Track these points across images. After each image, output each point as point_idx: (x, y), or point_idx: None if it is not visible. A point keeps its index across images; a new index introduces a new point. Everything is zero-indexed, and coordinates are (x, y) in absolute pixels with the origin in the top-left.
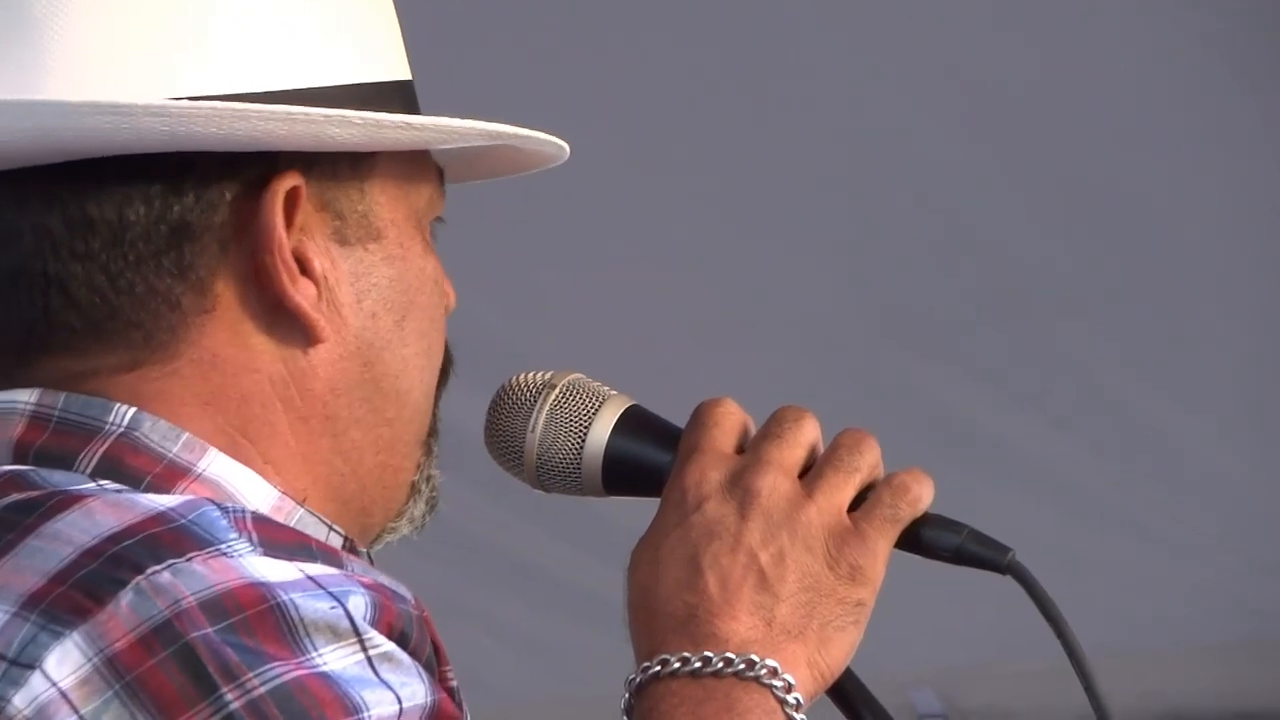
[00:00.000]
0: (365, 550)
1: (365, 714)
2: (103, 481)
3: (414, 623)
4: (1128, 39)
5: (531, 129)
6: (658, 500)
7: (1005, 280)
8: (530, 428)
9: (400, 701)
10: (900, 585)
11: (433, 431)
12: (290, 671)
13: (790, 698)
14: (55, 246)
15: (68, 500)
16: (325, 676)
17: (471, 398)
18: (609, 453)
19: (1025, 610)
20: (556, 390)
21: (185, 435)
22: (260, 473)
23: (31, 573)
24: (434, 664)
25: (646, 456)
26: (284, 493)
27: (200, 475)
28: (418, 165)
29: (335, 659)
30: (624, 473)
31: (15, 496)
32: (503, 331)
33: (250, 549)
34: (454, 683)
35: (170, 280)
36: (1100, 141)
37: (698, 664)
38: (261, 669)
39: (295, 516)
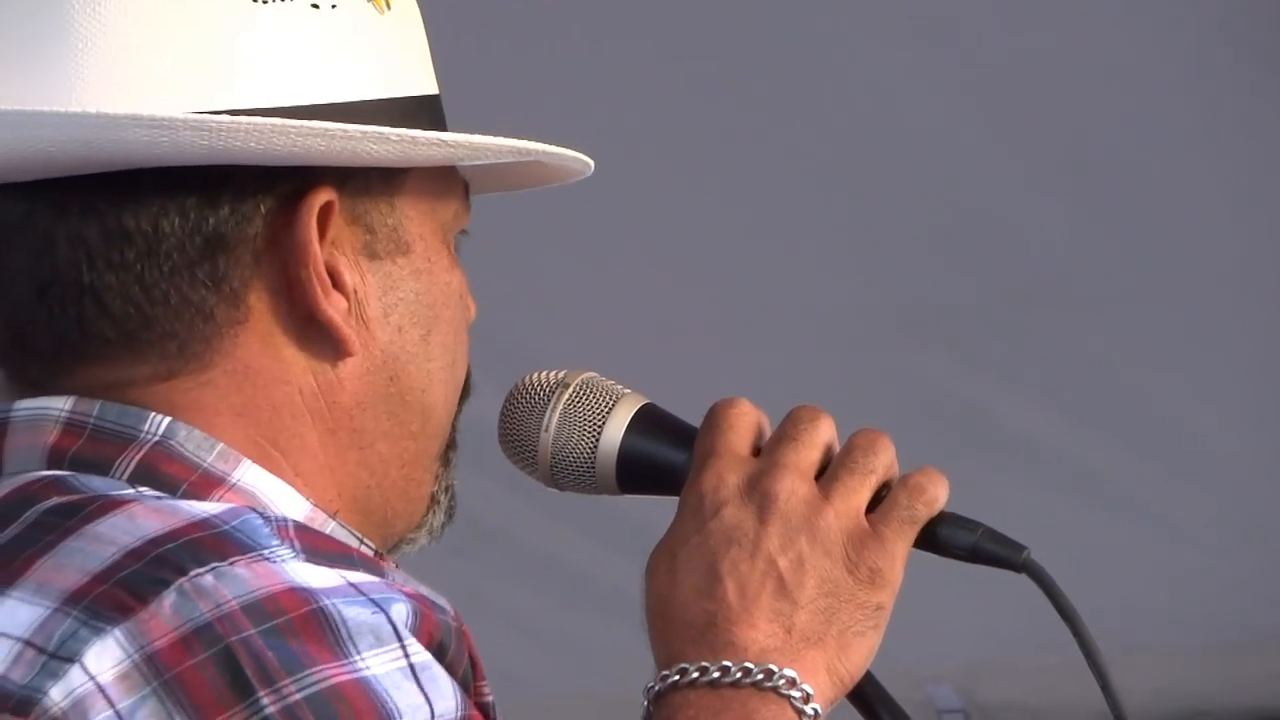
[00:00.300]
0: (393, 563)
1: None
2: (141, 488)
3: (453, 634)
4: (1145, 30)
5: (558, 144)
6: (674, 498)
7: (1023, 275)
8: (544, 427)
9: (434, 715)
10: (920, 581)
11: (451, 444)
12: (330, 677)
13: (808, 708)
14: (91, 256)
15: (110, 504)
16: (365, 682)
17: (493, 392)
18: (623, 451)
19: (1044, 605)
20: (570, 389)
21: (220, 445)
22: (290, 484)
23: (73, 570)
24: (470, 678)
25: (661, 455)
26: (315, 504)
27: (235, 485)
28: (445, 180)
29: (378, 663)
30: (638, 471)
31: (55, 500)
32: (518, 328)
33: (293, 555)
34: (489, 697)
35: (204, 291)
36: (1118, 134)
37: (716, 674)
38: (302, 674)
39: (329, 528)
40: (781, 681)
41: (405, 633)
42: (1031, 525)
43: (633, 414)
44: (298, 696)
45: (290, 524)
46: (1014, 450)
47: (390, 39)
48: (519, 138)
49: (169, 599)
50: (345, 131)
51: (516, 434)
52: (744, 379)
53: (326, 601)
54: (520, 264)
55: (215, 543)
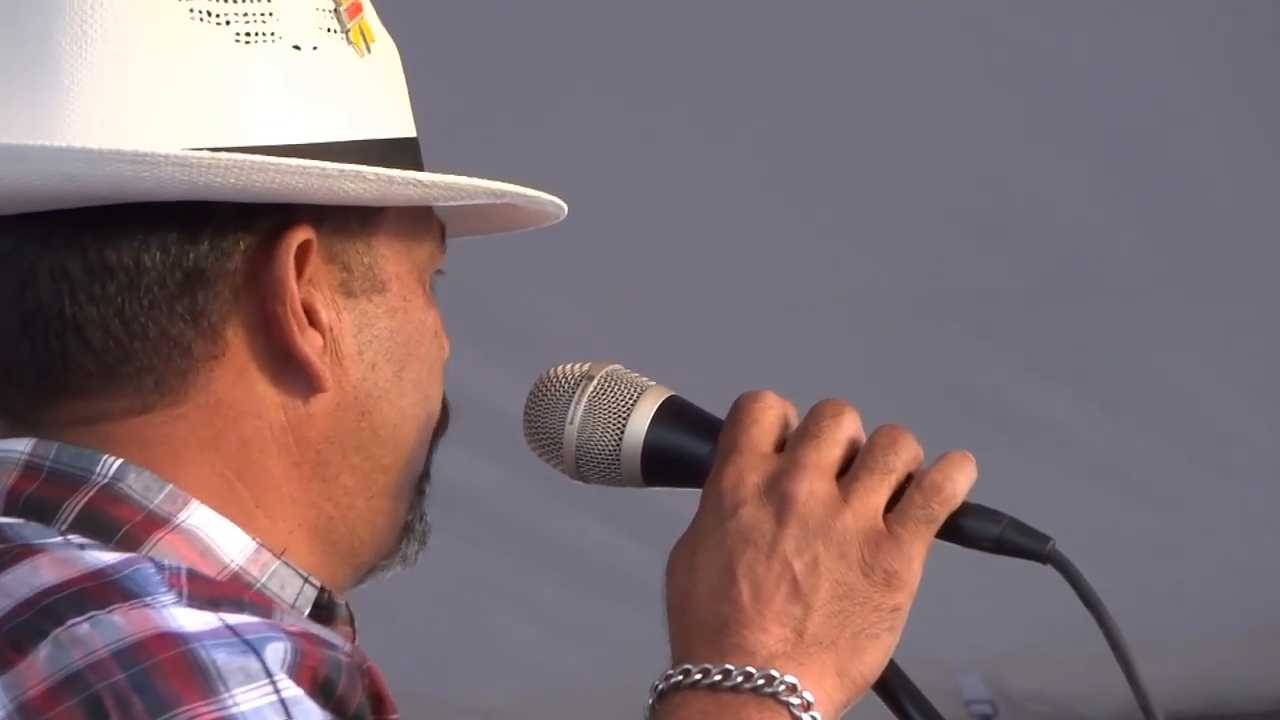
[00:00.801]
0: (342, 602)
1: None
2: (71, 536)
3: (343, 669)
4: (1179, 15)
5: (535, 188)
6: (700, 490)
7: (1051, 261)
8: (569, 419)
9: None
10: (947, 572)
11: (425, 475)
12: (199, 716)
13: (806, 716)
14: (74, 289)
15: (21, 554)
16: (234, 719)
17: (513, 382)
18: (648, 444)
19: (1071, 595)
20: (595, 381)
21: (169, 487)
22: (247, 519)
23: None
24: (365, 713)
25: (686, 447)
26: (262, 545)
27: (178, 526)
28: (421, 221)
29: (247, 699)
30: (663, 464)
31: None
32: (540, 319)
33: (175, 600)
34: None
35: (182, 325)
36: (1148, 118)
37: (717, 677)
38: (168, 714)
39: (270, 569)
40: (781, 688)
41: (276, 669)
42: (1057, 515)
43: (657, 406)
44: None
45: (184, 572)
46: (1040, 438)
47: (370, 82)
48: (495, 178)
49: (45, 649)
50: (322, 169)
51: (541, 427)
52: (770, 367)
53: (196, 644)
54: (542, 254)
55: (100, 591)
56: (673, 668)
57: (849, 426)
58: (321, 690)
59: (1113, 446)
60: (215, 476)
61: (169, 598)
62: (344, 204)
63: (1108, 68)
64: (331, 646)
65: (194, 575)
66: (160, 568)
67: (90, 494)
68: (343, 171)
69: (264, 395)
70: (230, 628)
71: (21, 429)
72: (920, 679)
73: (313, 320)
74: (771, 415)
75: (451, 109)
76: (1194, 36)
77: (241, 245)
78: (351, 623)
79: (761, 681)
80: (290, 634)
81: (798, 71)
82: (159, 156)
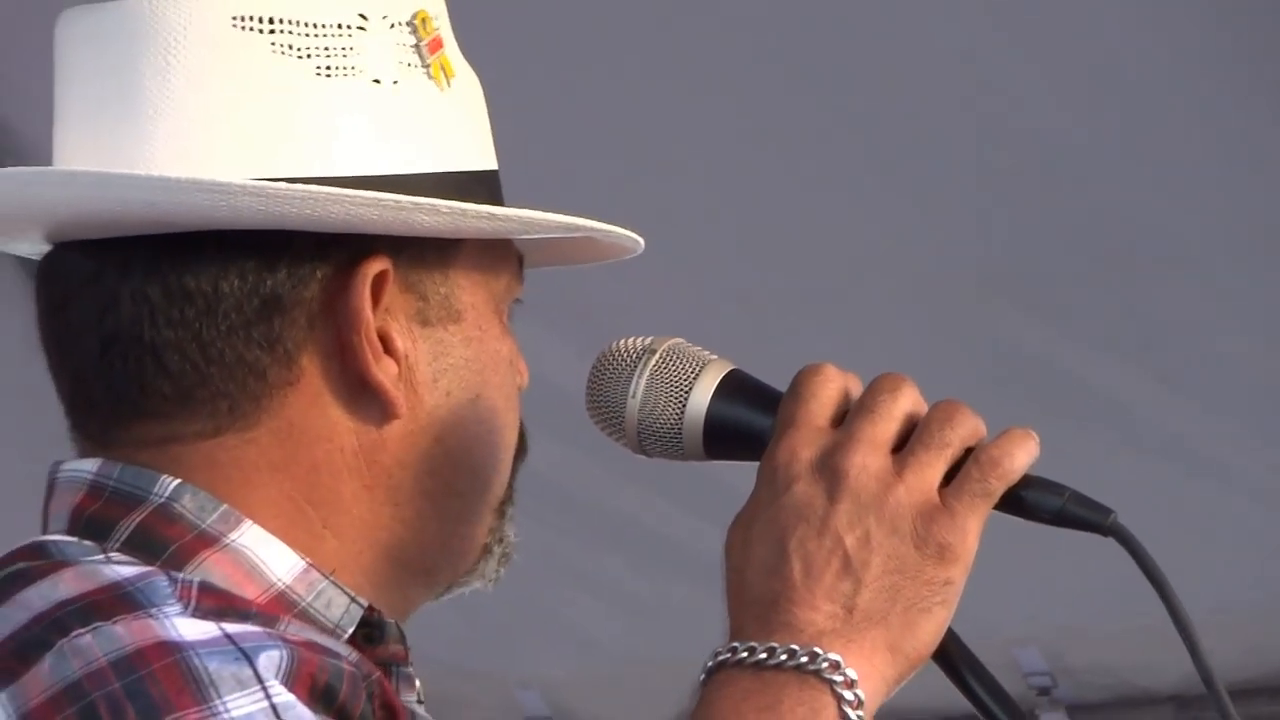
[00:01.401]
0: (392, 621)
1: None
2: (114, 554)
3: (344, 677)
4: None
5: (611, 224)
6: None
7: (1112, 236)
8: (631, 393)
9: None
10: (1005, 544)
11: (508, 499)
12: None
13: (850, 694)
14: (153, 314)
15: (49, 569)
16: None
17: (575, 356)
18: (710, 417)
19: (1130, 567)
20: (657, 355)
21: (223, 507)
22: (314, 540)
23: None
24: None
25: (747, 421)
26: (311, 565)
27: (227, 545)
28: (499, 253)
29: (238, 705)
30: (725, 437)
31: (20, 565)
32: (602, 295)
33: (179, 611)
34: None
35: (259, 351)
36: (1209, 94)
37: (762, 655)
38: None
39: (318, 588)
40: (824, 665)
41: (268, 676)
42: (1119, 488)
43: (719, 380)
44: None
45: (195, 584)
46: (1101, 412)
47: (449, 116)
48: (572, 213)
49: (48, 660)
50: (397, 202)
51: (603, 400)
52: (833, 342)
53: (190, 652)
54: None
55: (110, 603)
56: (724, 645)
57: (906, 401)
58: (321, 697)
59: (1173, 421)
60: (283, 499)
61: (174, 608)
62: (419, 235)
63: (1157, 41)
64: (334, 655)
65: (207, 588)
66: (173, 580)
67: (145, 513)
68: (417, 204)
69: (337, 421)
70: (228, 636)
71: (96, 450)
72: (978, 652)
73: (388, 348)
74: (831, 389)
75: (527, 136)
76: (1246, 9)
77: (319, 274)
78: (403, 641)
79: (805, 659)
80: (289, 642)
81: (861, 55)
82: (235, 186)
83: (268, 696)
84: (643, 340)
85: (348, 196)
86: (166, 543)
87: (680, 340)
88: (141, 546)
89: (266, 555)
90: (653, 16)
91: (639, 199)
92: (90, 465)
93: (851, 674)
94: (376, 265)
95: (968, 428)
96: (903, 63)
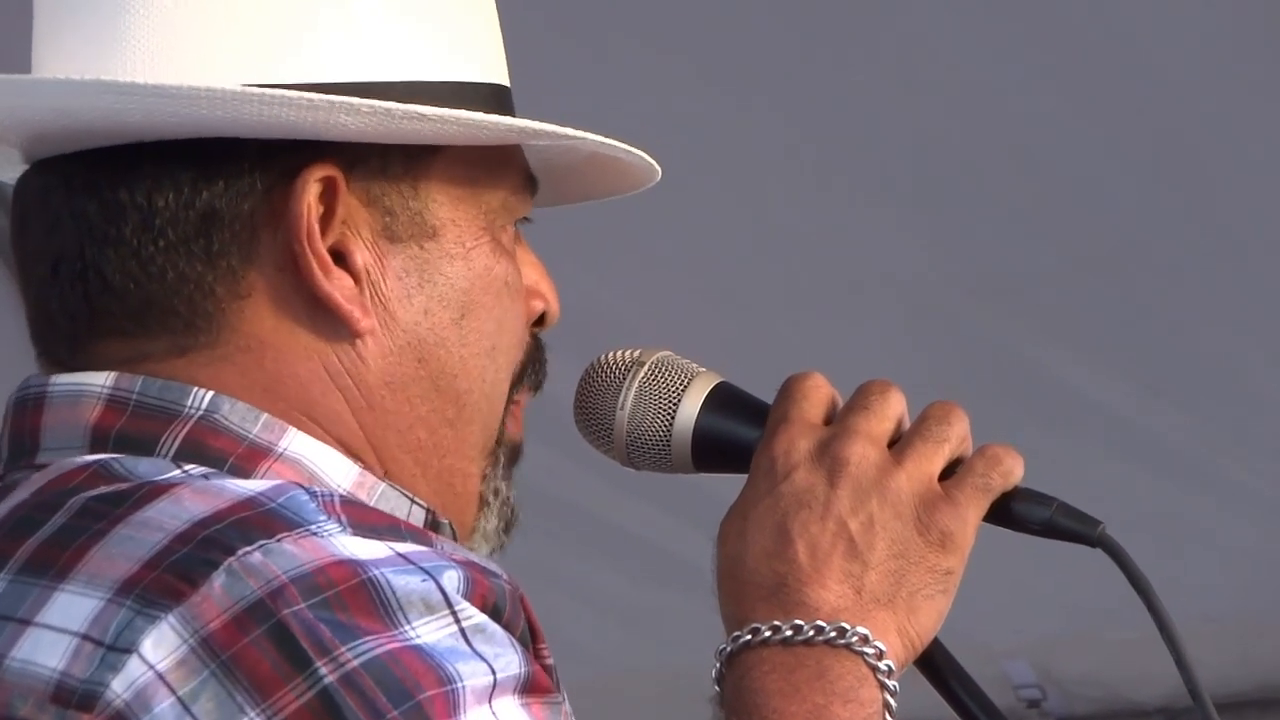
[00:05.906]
0: (448, 522)
1: (459, 685)
2: (188, 468)
3: (507, 597)
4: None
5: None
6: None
7: (1102, 243)
8: (619, 406)
9: (494, 672)
10: (994, 556)
11: (500, 441)
12: (383, 645)
13: (882, 664)
14: (91, 232)
15: (157, 490)
16: (419, 649)
17: (564, 368)
18: (698, 430)
19: (1119, 579)
20: (645, 368)
21: (264, 416)
22: (337, 449)
23: (124, 559)
24: (528, 640)
25: (736, 433)
26: (365, 468)
27: (282, 454)
28: (491, 167)
29: (428, 631)
30: (714, 449)
31: (103, 489)
32: (593, 303)
33: (340, 529)
34: (550, 660)
35: (201, 267)
36: (1197, 99)
37: (789, 632)
38: (354, 643)
39: (378, 491)
40: (855, 639)
41: (456, 598)
42: (1108, 498)
43: (707, 392)
44: (355, 663)
45: (336, 498)
46: (1090, 421)
47: (420, 25)
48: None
49: (219, 580)
50: (311, 102)
51: (592, 413)
52: (824, 349)
53: (375, 572)
54: (593, 239)
55: (262, 521)
56: (738, 629)
57: (896, 404)
58: (491, 617)
59: (1162, 430)
60: (285, 416)
61: (332, 526)
62: (343, 139)
63: (1160, 52)
64: (495, 575)
65: (347, 501)
66: (312, 494)
67: (188, 427)
68: (332, 104)
69: (306, 338)
70: (403, 555)
71: (64, 372)
72: (967, 664)
73: (347, 263)
74: (820, 393)
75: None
76: (1240, 15)
77: (259, 185)
78: None
79: (834, 634)
80: (457, 562)
81: (853, 59)
82: (139, 87)
83: (457, 620)
84: (631, 352)
85: (257, 95)
86: (222, 456)
87: (669, 352)
88: (195, 462)
89: (322, 461)
90: (651, 19)
91: (634, 205)
92: (100, 379)
93: (881, 645)
94: (319, 172)
95: (963, 428)
96: (900, 70)
